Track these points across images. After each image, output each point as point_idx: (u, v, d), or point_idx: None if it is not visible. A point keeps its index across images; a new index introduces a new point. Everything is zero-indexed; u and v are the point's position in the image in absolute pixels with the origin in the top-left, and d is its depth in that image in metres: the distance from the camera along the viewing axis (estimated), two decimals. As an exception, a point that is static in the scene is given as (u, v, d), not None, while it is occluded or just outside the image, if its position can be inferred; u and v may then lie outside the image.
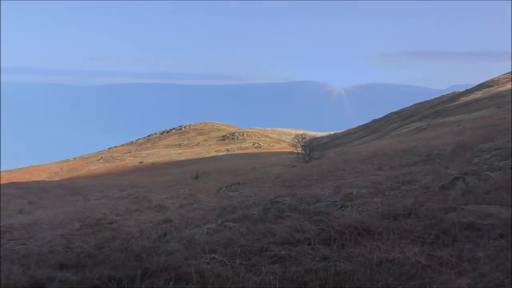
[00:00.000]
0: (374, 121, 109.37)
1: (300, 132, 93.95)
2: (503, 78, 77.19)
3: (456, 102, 63.68)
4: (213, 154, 68.10)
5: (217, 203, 13.42)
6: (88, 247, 8.42)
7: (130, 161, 69.56)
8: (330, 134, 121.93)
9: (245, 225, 7.40)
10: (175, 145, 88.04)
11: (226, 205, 11.94)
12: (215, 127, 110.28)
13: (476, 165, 10.76)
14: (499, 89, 61.97)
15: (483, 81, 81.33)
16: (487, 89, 68.73)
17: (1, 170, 61.77)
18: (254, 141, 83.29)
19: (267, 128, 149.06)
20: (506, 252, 3.21)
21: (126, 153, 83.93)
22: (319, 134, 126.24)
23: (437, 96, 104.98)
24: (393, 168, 13.88)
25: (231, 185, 18.71)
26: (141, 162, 66.53)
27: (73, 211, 17.59)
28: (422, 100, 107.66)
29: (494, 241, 3.58)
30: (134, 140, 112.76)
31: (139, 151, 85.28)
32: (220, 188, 18.54)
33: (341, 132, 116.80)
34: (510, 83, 66.90)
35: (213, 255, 4.98)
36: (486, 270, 2.96)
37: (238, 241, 5.58)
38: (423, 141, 21.33)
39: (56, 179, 53.96)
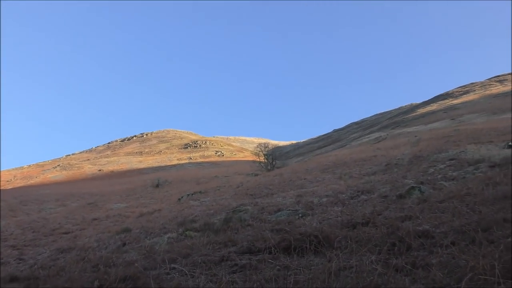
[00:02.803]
0: (335, 131, 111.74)
1: (263, 141, 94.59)
2: (457, 91, 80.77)
3: (414, 114, 66.05)
4: (175, 162, 67.35)
5: (178, 212, 13.24)
6: (41, 258, 8.11)
7: (89, 168, 67.70)
8: (292, 143, 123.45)
9: (206, 234, 7.33)
10: (136, 152, 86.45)
11: (187, 214, 11.80)
12: (177, 135, 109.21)
13: (431, 175, 11.16)
14: (453, 102, 64.76)
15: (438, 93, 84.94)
16: (442, 102, 71.70)
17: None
18: (216, 149, 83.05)
19: (230, 137, 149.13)
20: (458, 259, 3.33)
21: (84, 160, 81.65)
22: (282, 143, 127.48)
23: (397, 107, 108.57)
24: (353, 178, 14.16)
25: (193, 194, 18.52)
26: (100, 170, 64.86)
27: (26, 220, 16.90)
28: (383, 111, 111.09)
29: (446, 249, 3.71)
30: (94, 147, 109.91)
31: (99, 158, 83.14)
32: (182, 197, 18.33)
33: (303, 142, 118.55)
34: (466, 95, 70.09)
35: (173, 265, 4.91)
36: (438, 277, 3.07)
37: (199, 250, 5.52)
38: (382, 151, 21.91)
39: (9, 187, 51.69)
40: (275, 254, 4.71)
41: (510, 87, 64.04)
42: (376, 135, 51.43)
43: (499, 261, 2.96)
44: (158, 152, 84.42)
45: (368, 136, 55.29)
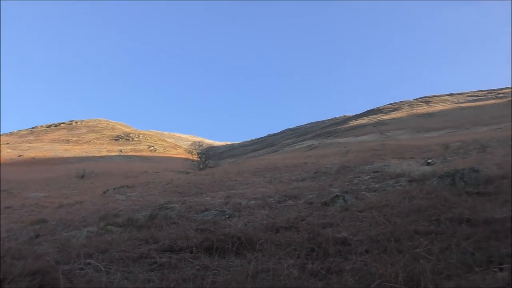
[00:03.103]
0: (270, 135, 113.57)
1: (198, 139, 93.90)
2: (387, 108, 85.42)
3: (346, 125, 68.95)
4: (104, 153, 64.86)
5: (102, 205, 12.75)
6: None
7: (7, 153, 63.23)
8: (227, 144, 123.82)
9: (128, 230, 7.11)
10: (63, 140, 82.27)
11: (111, 208, 11.40)
12: (109, 125, 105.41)
13: (356, 185, 11.65)
14: (382, 117, 68.39)
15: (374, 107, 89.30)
16: (373, 116, 75.49)
17: None
18: (149, 144, 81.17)
19: (165, 132, 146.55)
20: (369, 267, 3.50)
21: (3, 144, 76.21)
22: (217, 143, 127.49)
23: (331, 118, 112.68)
24: (282, 183, 14.43)
25: (119, 188, 17.92)
26: (20, 156, 60.82)
27: None
28: (317, 120, 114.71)
29: (360, 256, 3.89)
30: (15, 130, 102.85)
31: (20, 143, 78.07)
32: (107, 190, 17.67)
33: (238, 143, 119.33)
34: (395, 112, 74.25)
35: (88, 260, 4.69)
36: (349, 282, 3.20)
37: (118, 246, 5.33)
38: (313, 158, 22.57)
39: None
40: (197, 253, 4.66)
41: (434, 109, 68.86)
42: (309, 142, 52.98)
43: (404, 269, 3.15)
44: (87, 141, 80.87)
45: (301, 143, 56.83)
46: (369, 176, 12.98)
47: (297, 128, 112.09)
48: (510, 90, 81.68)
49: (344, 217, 6.22)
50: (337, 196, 8.70)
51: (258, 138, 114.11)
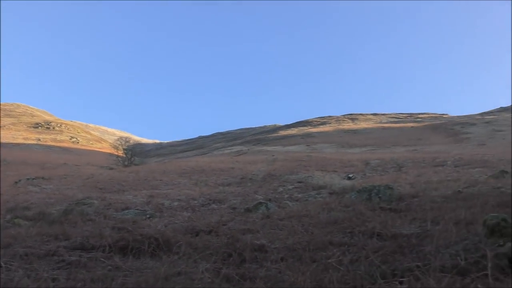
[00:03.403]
0: (200, 137, 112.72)
1: (125, 135, 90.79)
2: (315, 121, 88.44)
3: (275, 134, 70.33)
4: (20, 141, 60.58)
5: (12, 196, 11.89)
6: None
7: None
8: (155, 143, 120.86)
9: (38, 225, 6.70)
10: (-27, 123, 75.49)
11: (21, 200, 10.67)
12: (28, 111, 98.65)
13: (279, 193, 11.93)
14: (311, 130, 70.70)
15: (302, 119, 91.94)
16: (301, 128, 77.75)
17: None
18: (72, 135, 77.08)
19: (90, 124, 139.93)
20: (283, 274, 3.56)
21: None
22: (145, 140, 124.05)
23: (261, 125, 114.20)
24: (208, 186, 14.39)
25: (34, 179, 16.78)
26: None
27: None
28: (248, 127, 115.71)
29: (275, 263, 3.95)
30: None
31: None
32: (20, 180, 16.48)
33: (167, 143, 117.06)
34: (323, 126, 77.06)
35: (-13, 256, 4.33)
36: (262, 289, 3.25)
37: (23, 241, 4.99)
38: (241, 164, 22.73)
39: None
40: (110, 253, 4.48)
41: (358, 126, 72.43)
42: (238, 148, 53.37)
43: (314, 278, 3.25)
44: (1, 127, 74.92)
45: (231, 148, 57.07)
46: (293, 186, 13.34)
47: (228, 132, 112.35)
48: (426, 115, 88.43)
49: (264, 224, 6.31)
50: (261, 203, 8.82)
51: (188, 139, 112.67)
